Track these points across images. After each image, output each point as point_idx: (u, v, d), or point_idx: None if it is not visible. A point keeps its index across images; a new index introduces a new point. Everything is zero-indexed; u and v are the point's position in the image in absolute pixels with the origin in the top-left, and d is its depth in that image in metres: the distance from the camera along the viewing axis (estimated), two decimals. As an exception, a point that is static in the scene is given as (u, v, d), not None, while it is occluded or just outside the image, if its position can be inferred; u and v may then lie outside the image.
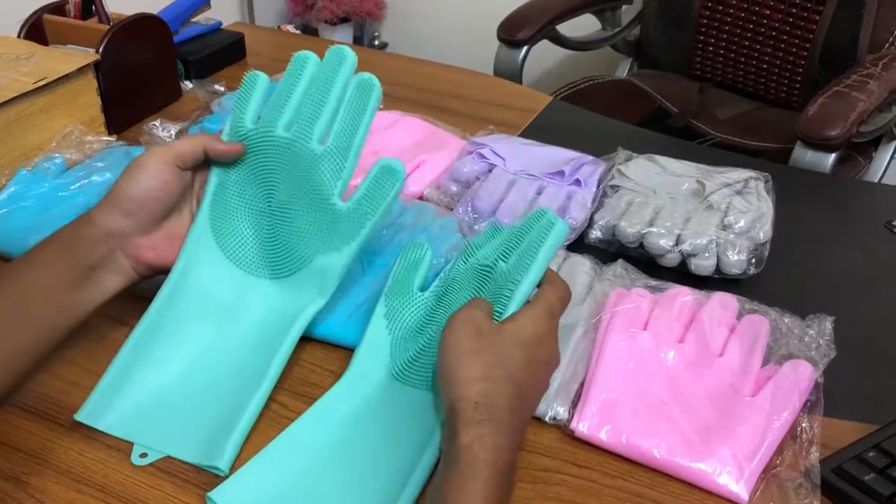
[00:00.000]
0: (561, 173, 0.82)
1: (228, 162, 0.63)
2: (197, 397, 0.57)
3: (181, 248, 0.61)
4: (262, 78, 0.64)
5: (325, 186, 0.60)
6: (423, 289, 0.62)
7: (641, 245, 0.73)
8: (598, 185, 0.82)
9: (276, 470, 0.52)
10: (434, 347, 0.55)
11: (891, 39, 1.38)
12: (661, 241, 0.72)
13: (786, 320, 0.63)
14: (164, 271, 0.61)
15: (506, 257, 0.56)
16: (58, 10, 0.95)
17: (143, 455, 0.54)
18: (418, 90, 1.08)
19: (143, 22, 0.95)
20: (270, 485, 0.51)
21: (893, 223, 0.83)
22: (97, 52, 0.88)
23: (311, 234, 0.60)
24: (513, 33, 1.46)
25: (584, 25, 1.66)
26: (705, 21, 1.54)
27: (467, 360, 0.49)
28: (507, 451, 0.46)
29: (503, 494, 0.46)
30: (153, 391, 0.57)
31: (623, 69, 1.78)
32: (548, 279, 0.55)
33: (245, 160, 0.63)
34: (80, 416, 0.55)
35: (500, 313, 0.53)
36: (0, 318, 0.54)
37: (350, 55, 0.61)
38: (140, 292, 0.62)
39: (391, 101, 1.01)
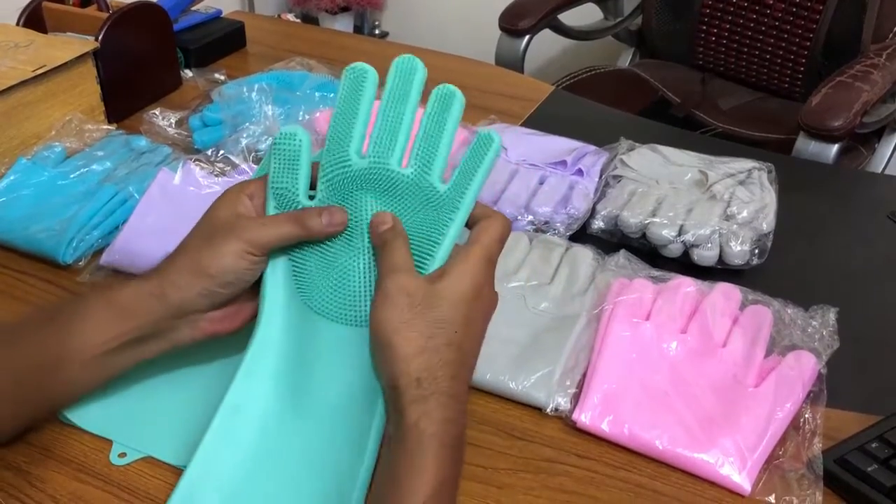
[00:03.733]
0: (563, 163, 0.82)
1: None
2: (183, 402, 0.56)
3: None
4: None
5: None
6: (311, 194, 0.53)
7: (644, 235, 0.73)
8: (601, 175, 0.81)
9: (215, 473, 0.50)
10: (352, 273, 0.51)
11: (895, 29, 1.37)
12: (664, 232, 0.71)
13: (789, 311, 0.63)
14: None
15: (426, 166, 0.51)
16: (57, -3, 0.95)
17: (122, 455, 0.53)
18: (419, 79, 1.07)
19: (143, 10, 0.94)
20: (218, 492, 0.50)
21: (897, 214, 0.83)
22: (96, 40, 0.88)
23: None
24: (514, 22, 1.45)
25: (585, 15, 1.65)
26: (708, 10, 1.53)
27: (401, 335, 0.46)
28: (454, 421, 0.45)
29: (455, 467, 0.45)
30: (138, 392, 0.56)
31: (625, 59, 1.77)
32: (481, 213, 0.51)
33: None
34: (65, 410, 0.55)
35: (429, 255, 0.49)
36: (33, 368, 0.51)
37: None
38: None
39: (392, 90, 1.00)
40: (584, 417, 0.56)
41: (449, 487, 0.45)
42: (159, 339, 0.52)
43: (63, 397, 0.54)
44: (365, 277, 0.51)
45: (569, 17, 1.56)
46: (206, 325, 0.53)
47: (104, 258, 0.69)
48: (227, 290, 0.51)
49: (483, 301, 0.49)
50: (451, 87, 0.54)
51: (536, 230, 0.75)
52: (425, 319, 0.47)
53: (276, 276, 0.53)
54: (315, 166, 0.54)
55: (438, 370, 0.46)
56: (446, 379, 0.46)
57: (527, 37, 1.45)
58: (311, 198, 0.53)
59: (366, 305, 0.51)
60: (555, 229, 0.75)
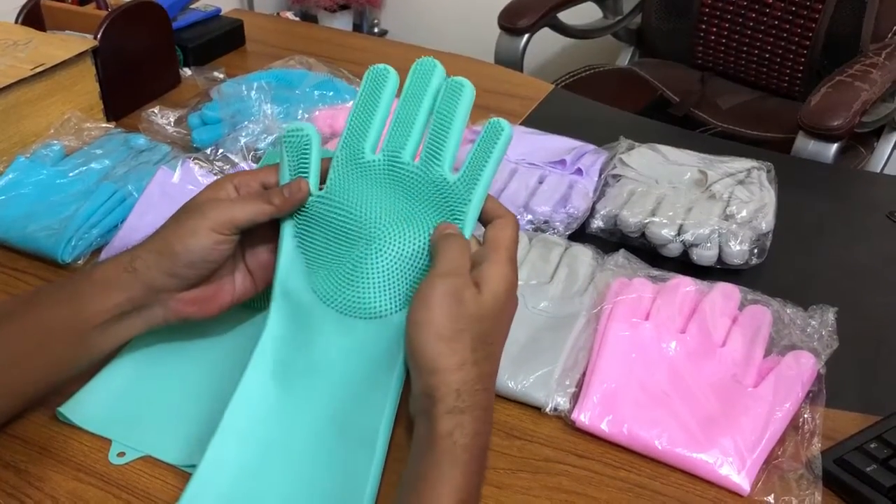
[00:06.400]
0: (562, 162, 0.82)
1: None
2: (182, 401, 0.56)
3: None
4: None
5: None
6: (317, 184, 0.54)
7: (643, 235, 0.73)
8: (600, 175, 0.81)
9: (225, 470, 0.50)
10: (364, 267, 0.51)
11: (894, 29, 1.37)
12: (663, 231, 0.71)
13: (788, 311, 0.63)
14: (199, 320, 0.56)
15: (436, 157, 0.52)
16: (55, -5, 0.95)
17: (121, 454, 0.53)
18: (419, 78, 1.07)
19: (142, 8, 0.94)
20: (227, 486, 0.50)
21: (895, 214, 0.83)
22: (95, 38, 0.88)
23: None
24: (514, 21, 1.45)
25: (585, 13, 1.65)
26: (707, 9, 1.53)
27: (448, 345, 0.45)
28: (484, 434, 0.46)
29: (480, 476, 0.46)
30: (137, 390, 0.57)
31: (624, 58, 1.77)
32: (493, 210, 0.51)
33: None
34: (63, 409, 0.55)
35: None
36: (18, 351, 0.51)
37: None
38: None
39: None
40: (583, 417, 0.56)
41: (474, 497, 0.45)
42: (135, 316, 0.53)
43: (51, 379, 0.53)
44: (376, 271, 0.51)
45: (568, 16, 1.55)
46: (177, 307, 0.53)
47: (103, 257, 0.69)
48: (192, 270, 0.52)
49: (511, 306, 0.50)
50: (461, 78, 0.54)
51: (536, 229, 0.75)
52: (473, 332, 0.46)
53: (287, 267, 0.54)
54: (325, 162, 0.55)
55: (477, 383, 0.45)
56: (482, 391, 0.46)
57: (526, 35, 1.45)
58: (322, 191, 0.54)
59: (376, 299, 0.51)
60: (554, 228, 0.75)
